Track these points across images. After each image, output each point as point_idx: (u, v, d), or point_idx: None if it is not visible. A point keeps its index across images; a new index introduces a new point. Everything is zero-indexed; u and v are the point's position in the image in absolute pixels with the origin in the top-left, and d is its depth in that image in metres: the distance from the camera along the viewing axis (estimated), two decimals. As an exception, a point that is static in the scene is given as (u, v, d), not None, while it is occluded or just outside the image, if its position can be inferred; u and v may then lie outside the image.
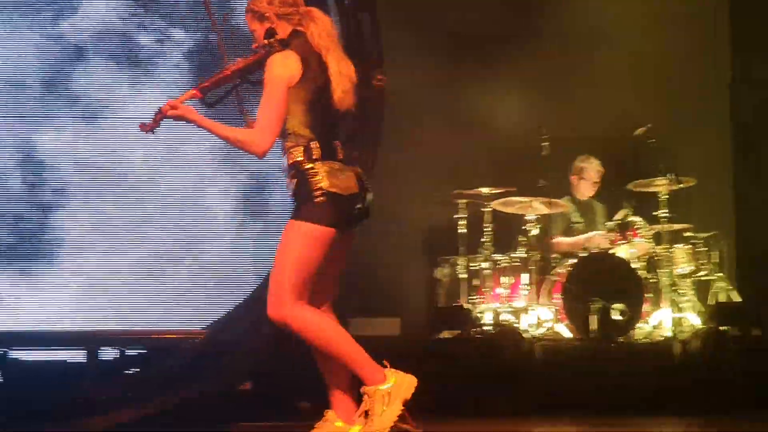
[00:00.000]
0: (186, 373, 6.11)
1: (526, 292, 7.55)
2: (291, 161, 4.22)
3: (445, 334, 7.74)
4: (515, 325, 7.38)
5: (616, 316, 7.05)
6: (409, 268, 8.39)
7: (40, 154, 6.87)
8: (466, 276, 7.84)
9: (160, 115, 4.23)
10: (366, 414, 4.25)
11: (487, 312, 7.69)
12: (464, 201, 7.89)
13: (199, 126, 4.28)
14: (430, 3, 8.19)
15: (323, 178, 4.16)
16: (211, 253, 6.78)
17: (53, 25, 6.89)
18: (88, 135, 6.88)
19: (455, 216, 7.87)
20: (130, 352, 6.39)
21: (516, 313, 7.56)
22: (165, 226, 6.83)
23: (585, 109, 8.25)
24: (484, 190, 7.74)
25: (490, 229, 7.76)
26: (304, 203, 4.17)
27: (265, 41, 4.33)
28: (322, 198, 4.14)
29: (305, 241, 4.16)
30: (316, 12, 4.38)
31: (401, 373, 4.37)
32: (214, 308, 6.66)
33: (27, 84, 6.88)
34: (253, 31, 4.43)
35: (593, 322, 6.99)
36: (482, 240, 7.84)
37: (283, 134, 4.22)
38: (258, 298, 6.37)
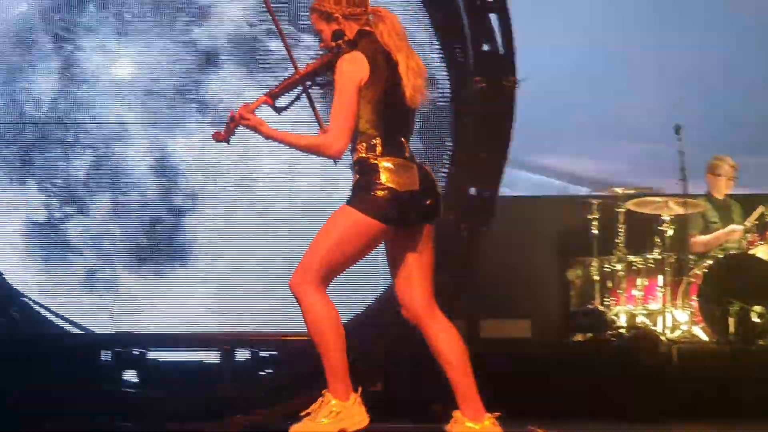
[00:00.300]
0: (317, 375, 6.12)
1: (662, 294, 7.39)
2: (356, 158, 4.27)
3: (579, 337, 7.70)
4: (651, 327, 7.23)
5: (755, 318, 6.85)
6: (541, 269, 8.31)
7: (173, 160, 6.97)
8: (599, 278, 7.75)
9: (234, 124, 4.25)
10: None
11: (621, 314, 7.60)
12: (598, 201, 7.79)
13: (268, 138, 4.30)
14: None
15: (383, 171, 4.19)
16: None
17: (185, 33, 6.98)
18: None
19: (588, 216, 7.77)
20: (263, 354, 6.42)
21: (651, 315, 7.43)
22: (295, 229, 6.85)
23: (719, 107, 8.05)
24: (618, 190, 7.63)
25: (623, 229, 7.64)
26: (360, 193, 4.22)
27: (333, 43, 4.34)
28: (380, 192, 4.17)
29: (351, 228, 4.19)
30: (383, 11, 4.38)
31: (362, 409, 4.37)
32: (344, 310, 6.67)
33: (160, 91, 6.99)
34: (320, 31, 4.43)
35: (731, 325, 6.80)
36: (616, 241, 7.73)
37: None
38: (388, 299, 6.38)
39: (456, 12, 6.23)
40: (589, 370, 6.87)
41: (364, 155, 4.25)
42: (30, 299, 6.78)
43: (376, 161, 4.21)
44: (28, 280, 6.89)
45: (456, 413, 4.37)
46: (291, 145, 4.35)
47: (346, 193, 6.60)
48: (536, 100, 6.89)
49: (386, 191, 4.17)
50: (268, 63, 6.92)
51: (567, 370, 6.95)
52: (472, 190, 6.08)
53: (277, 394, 6.13)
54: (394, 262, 4.39)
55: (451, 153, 6.61)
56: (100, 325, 6.76)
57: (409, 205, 4.21)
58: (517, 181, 7.94)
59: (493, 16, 6.15)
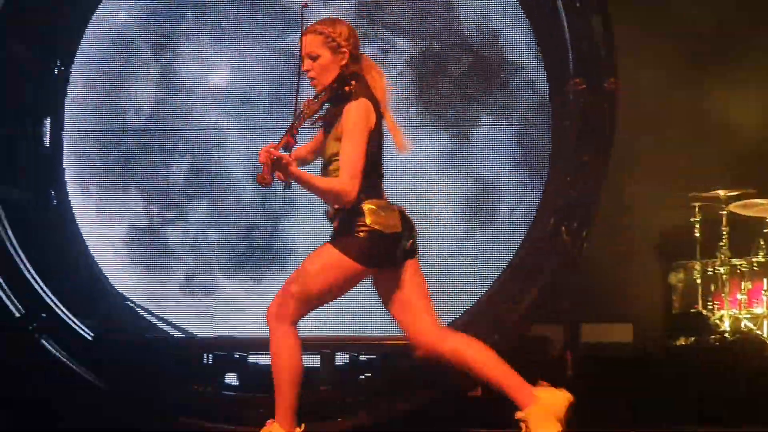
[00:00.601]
0: (417, 379, 6.13)
1: (766, 298, 7.25)
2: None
3: (681, 341, 7.59)
4: (756, 332, 7.10)
5: None
6: (642, 273, 8.21)
7: None
8: (702, 281, 7.65)
9: (268, 168, 4.14)
10: None
11: (725, 318, 7.47)
12: (700, 204, 7.68)
13: (293, 177, 4.22)
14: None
15: (368, 214, 4.24)
16: (440, 259, 6.79)
17: (280, 39, 7.02)
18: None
19: (691, 219, 7.67)
20: (363, 358, 6.45)
21: (756, 319, 7.30)
22: None
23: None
24: (721, 192, 7.50)
25: (727, 232, 7.51)
26: (346, 236, 4.28)
27: (347, 87, 4.38)
28: (362, 233, 4.23)
29: (337, 272, 4.26)
30: (372, 60, 4.56)
31: None
32: (445, 314, 6.67)
33: (256, 97, 7.06)
34: (316, 56, 4.43)
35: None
36: (719, 244, 7.61)
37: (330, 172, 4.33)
38: (488, 302, 6.38)
39: (555, 12, 6.18)
40: (692, 375, 6.80)
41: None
42: (133, 303, 6.90)
43: (360, 204, 4.26)
44: (131, 284, 7.02)
45: (519, 414, 4.36)
46: (310, 188, 4.32)
47: (435, 196, 6.67)
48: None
49: (371, 233, 4.24)
50: None
51: (669, 375, 6.89)
52: (573, 193, 6.02)
53: (376, 398, 6.14)
54: (392, 303, 4.47)
55: (550, 155, 6.56)
56: (202, 328, 6.84)
57: (394, 246, 4.29)
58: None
59: (594, 17, 6.08)
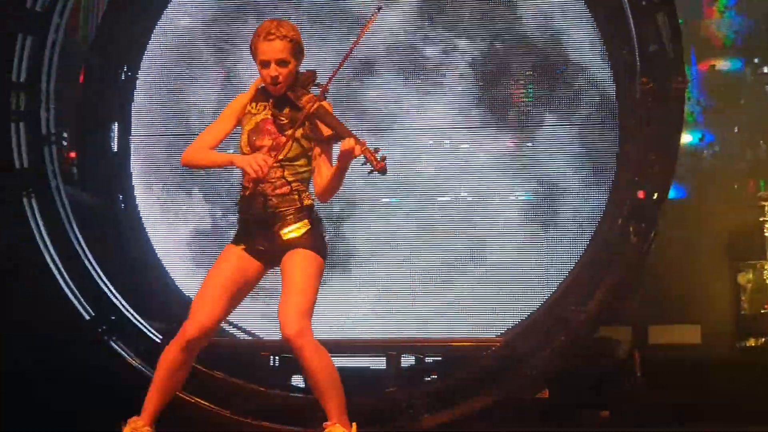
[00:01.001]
0: (482, 381, 6.14)
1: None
2: (305, 203, 4.49)
3: (750, 342, 7.52)
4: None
5: None
6: (710, 273, 8.14)
7: None
8: (772, 281, 7.61)
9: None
10: None
11: (796, 318, 7.44)
12: None
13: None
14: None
15: (320, 219, 4.56)
16: (504, 259, 6.78)
17: (343, 42, 6.98)
18: (376, 145, 6.99)
19: (760, 219, 7.60)
20: (428, 359, 6.47)
21: (825, 318, 7.23)
22: (456, 234, 6.87)
23: None
24: (791, 192, 7.48)
25: (797, 232, 7.49)
26: (318, 238, 4.48)
27: (321, 87, 4.47)
28: (324, 236, 4.53)
29: (320, 271, 4.46)
30: None
31: None
32: (508, 316, 6.67)
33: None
34: (287, 62, 4.42)
35: None
36: (789, 244, 7.57)
37: (299, 178, 4.49)
38: (551, 305, 6.36)
39: (621, 11, 6.14)
40: (762, 376, 6.73)
41: (311, 203, 4.53)
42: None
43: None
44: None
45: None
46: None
47: (498, 197, 6.64)
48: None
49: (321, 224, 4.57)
50: (424, 70, 6.96)
51: (738, 376, 6.84)
52: (641, 193, 5.98)
53: (442, 400, 6.14)
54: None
55: (617, 155, 6.52)
56: (268, 331, 6.87)
57: None
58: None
59: (660, 16, 6.03)
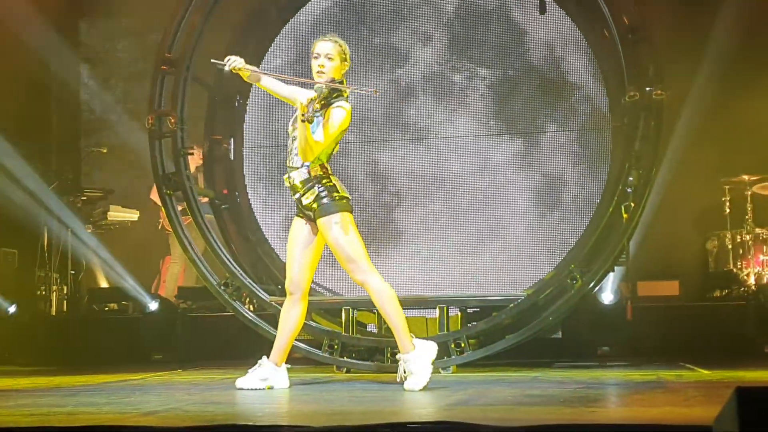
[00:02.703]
0: (511, 326, 6.14)
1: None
2: (311, 174, 4.62)
3: (717, 293, 7.68)
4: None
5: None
6: (685, 241, 8.24)
7: (382, 168, 7.04)
8: (732, 246, 7.77)
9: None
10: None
11: (751, 275, 7.63)
12: (729, 186, 7.88)
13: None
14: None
15: (337, 183, 4.66)
16: (516, 238, 6.71)
17: (390, 72, 7.00)
18: (416, 151, 6.95)
19: (722, 198, 7.79)
20: (470, 310, 6.47)
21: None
22: (476, 216, 6.83)
23: None
24: (746, 177, 7.60)
25: (750, 208, 7.70)
26: (331, 200, 4.60)
27: (349, 88, 4.65)
28: (340, 195, 4.62)
29: (345, 226, 4.60)
30: None
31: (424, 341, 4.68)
32: (521, 282, 6.64)
33: (372, 117, 7.00)
34: (331, 60, 4.61)
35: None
36: (745, 217, 7.70)
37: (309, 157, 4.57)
38: (561, 267, 6.32)
39: (613, 44, 6.08)
40: (725, 318, 6.81)
41: (320, 173, 4.63)
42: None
43: (329, 178, 4.64)
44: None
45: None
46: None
47: (512, 189, 6.58)
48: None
49: (343, 193, 4.67)
50: (452, 92, 6.91)
51: (708, 319, 6.92)
52: (630, 179, 5.94)
53: (479, 339, 6.16)
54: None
55: (611, 150, 6.52)
56: (344, 292, 6.93)
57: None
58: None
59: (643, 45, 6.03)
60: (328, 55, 4.63)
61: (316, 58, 4.66)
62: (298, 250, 4.77)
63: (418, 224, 6.94)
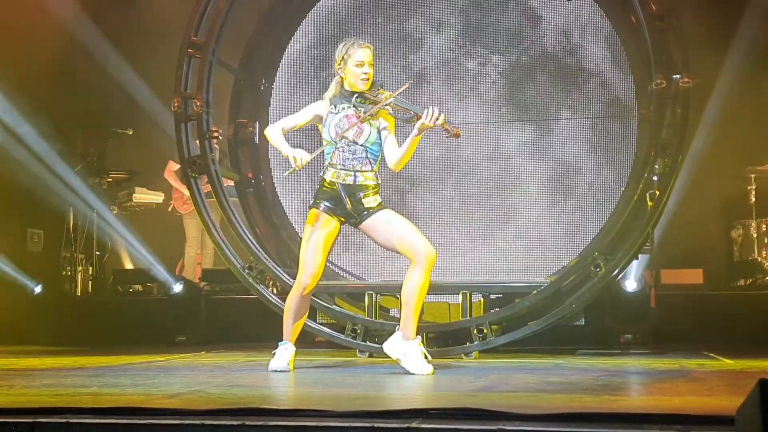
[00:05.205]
0: (535, 313, 6.15)
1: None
2: (373, 181, 4.90)
3: (741, 282, 7.67)
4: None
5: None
6: (709, 229, 8.33)
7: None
8: (757, 235, 7.72)
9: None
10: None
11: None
12: (755, 175, 7.83)
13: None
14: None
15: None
16: (530, 224, 6.69)
17: (403, 58, 6.97)
18: (429, 137, 6.81)
19: (748, 187, 7.73)
20: (492, 296, 6.47)
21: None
22: (489, 203, 6.82)
23: None
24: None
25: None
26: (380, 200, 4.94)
27: (385, 93, 4.89)
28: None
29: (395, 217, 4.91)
30: None
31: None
32: (537, 269, 6.62)
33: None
34: (371, 65, 4.91)
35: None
36: None
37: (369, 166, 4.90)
38: (585, 255, 6.29)
39: (640, 30, 6.06)
40: (751, 307, 6.79)
41: (378, 182, 4.96)
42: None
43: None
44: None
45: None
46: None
47: (525, 176, 6.57)
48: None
49: None
50: (464, 79, 6.87)
51: (732, 308, 6.91)
52: (656, 167, 5.91)
53: (502, 325, 6.19)
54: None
55: (637, 138, 6.45)
56: (367, 277, 6.94)
57: None
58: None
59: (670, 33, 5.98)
60: (371, 63, 4.93)
61: (360, 65, 4.88)
62: (323, 246, 4.93)
63: (429, 208, 6.94)
